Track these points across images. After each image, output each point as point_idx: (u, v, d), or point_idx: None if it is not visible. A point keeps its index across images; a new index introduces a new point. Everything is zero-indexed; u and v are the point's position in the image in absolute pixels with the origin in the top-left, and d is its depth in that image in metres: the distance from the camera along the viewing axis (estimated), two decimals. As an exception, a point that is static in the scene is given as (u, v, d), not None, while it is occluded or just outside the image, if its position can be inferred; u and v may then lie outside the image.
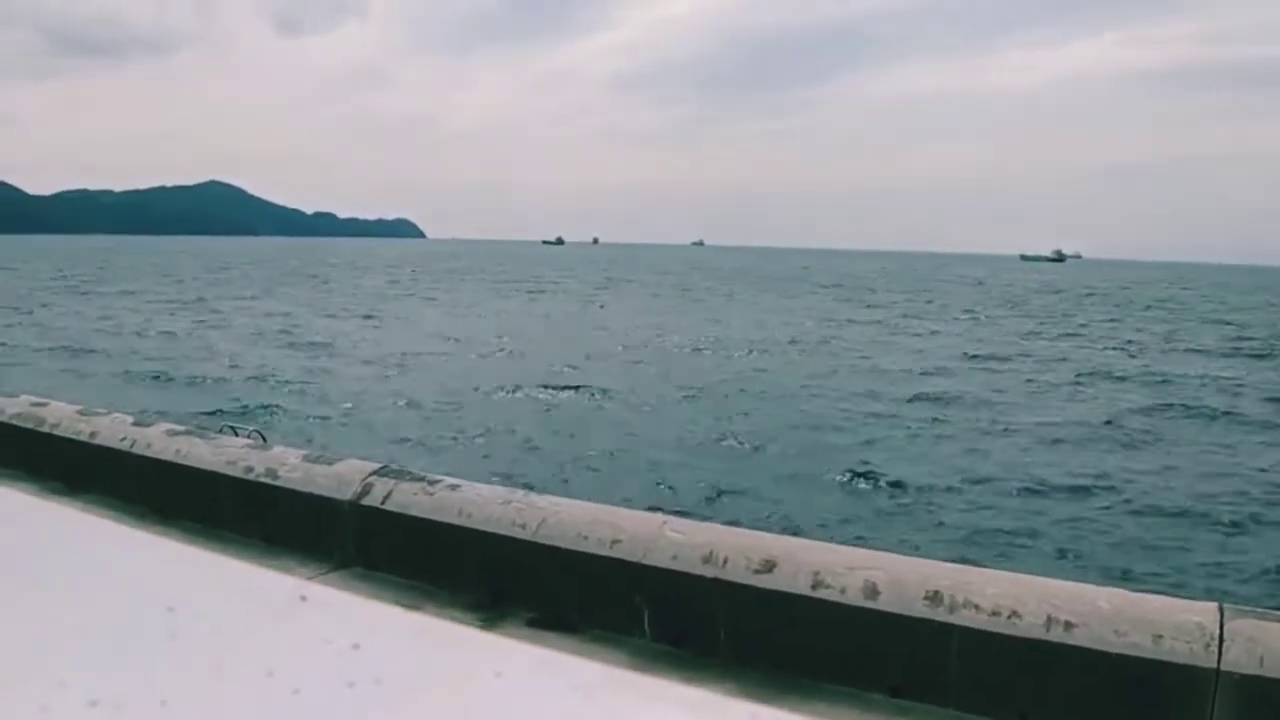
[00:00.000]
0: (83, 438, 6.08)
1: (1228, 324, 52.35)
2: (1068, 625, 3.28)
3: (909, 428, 19.45)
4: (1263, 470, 16.93)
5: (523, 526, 4.28)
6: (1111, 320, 54.94)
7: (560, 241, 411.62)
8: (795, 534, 4.25)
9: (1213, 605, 3.29)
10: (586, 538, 4.12)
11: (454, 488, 4.68)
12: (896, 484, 14.88)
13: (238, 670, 0.81)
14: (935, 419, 20.39)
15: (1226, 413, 23.22)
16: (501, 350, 33.31)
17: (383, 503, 4.72)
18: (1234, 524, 13.25)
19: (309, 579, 4.54)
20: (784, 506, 13.52)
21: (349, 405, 21.57)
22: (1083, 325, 49.14)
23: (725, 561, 3.81)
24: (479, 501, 4.51)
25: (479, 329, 41.61)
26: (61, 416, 6.37)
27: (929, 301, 61.72)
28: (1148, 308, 68.06)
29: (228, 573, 1.12)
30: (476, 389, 24.61)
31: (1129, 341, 41.14)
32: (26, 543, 1.16)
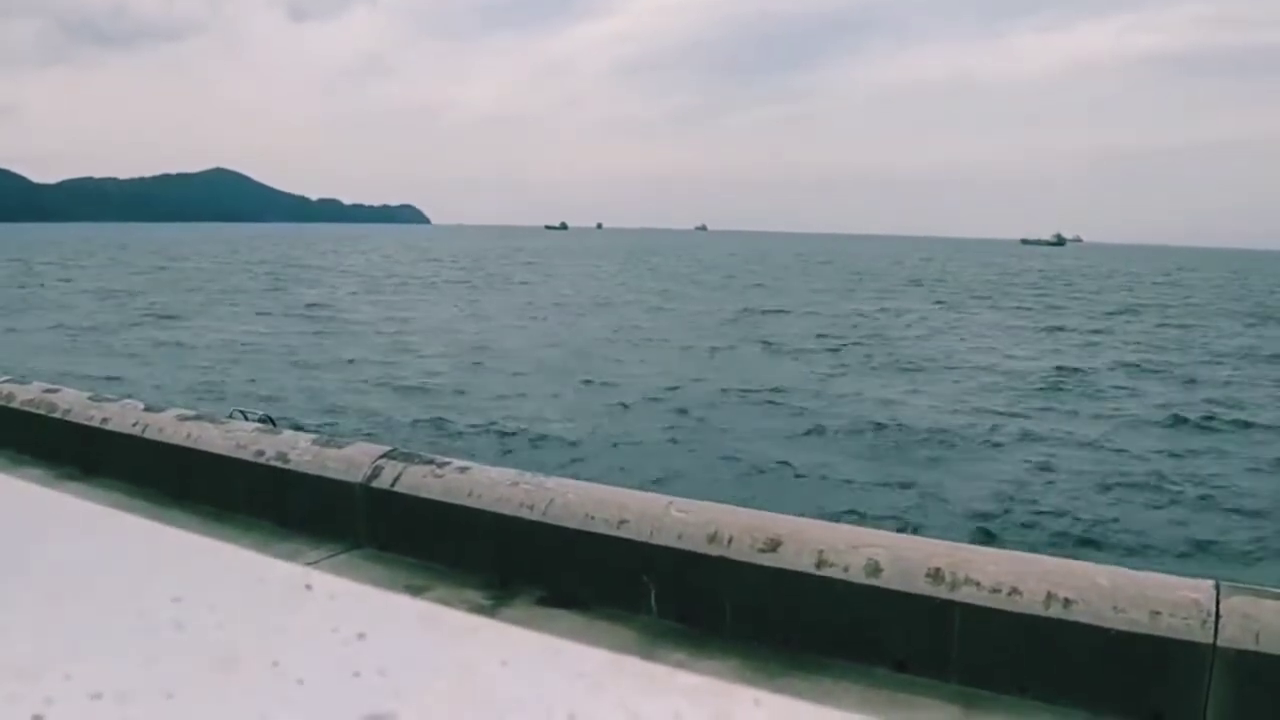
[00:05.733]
0: (94, 423, 6.14)
1: None
2: (1067, 602, 3.33)
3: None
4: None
5: (531, 507, 4.33)
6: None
7: (564, 227, 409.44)
8: (799, 513, 4.31)
9: (1209, 582, 3.34)
10: (594, 518, 4.18)
11: (463, 470, 4.74)
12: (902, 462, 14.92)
13: (243, 661, 0.82)
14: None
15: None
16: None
17: (393, 485, 4.78)
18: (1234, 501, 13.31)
19: (319, 562, 4.61)
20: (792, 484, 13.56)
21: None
22: None
23: (730, 540, 3.86)
24: (488, 483, 4.57)
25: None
26: (73, 403, 6.43)
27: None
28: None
29: (236, 560, 1.12)
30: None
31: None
32: (31, 531, 1.16)
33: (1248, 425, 18.10)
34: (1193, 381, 23.63)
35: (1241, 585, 3.37)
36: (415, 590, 4.17)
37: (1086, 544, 10.94)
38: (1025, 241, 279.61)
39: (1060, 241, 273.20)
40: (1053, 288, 64.61)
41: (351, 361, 24.50)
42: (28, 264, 69.82)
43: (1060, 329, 35.43)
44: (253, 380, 21.53)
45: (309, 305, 39.65)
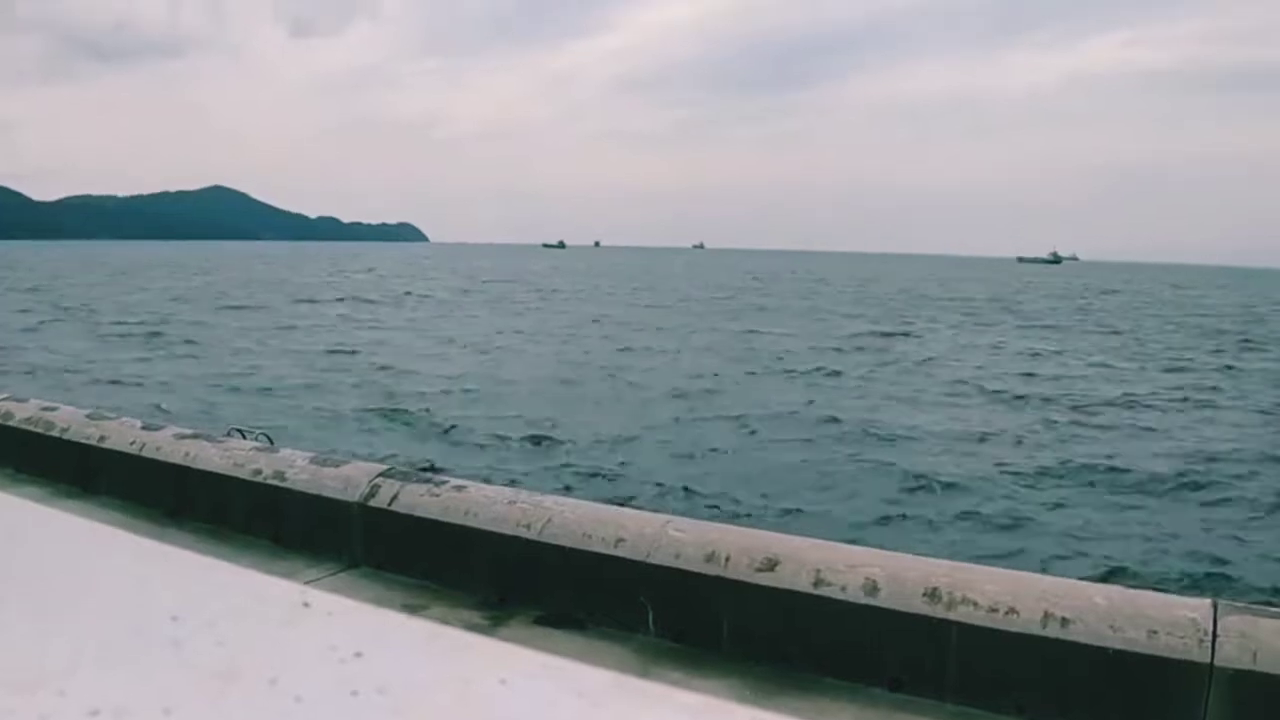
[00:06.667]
0: (92, 441, 6.14)
1: None
2: (1064, 621, 3.33)
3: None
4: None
5: (528, 527, 4.33)
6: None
7: (561, 245, 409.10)
8: (796, 532, 4.37)
9: (1206, 601, 3.34)
10: (591, 537, 4.17)
11: (460, 488, 4.74)
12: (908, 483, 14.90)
13: (241, 679, 0.83)
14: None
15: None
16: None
17: (390, 504, 4.77)
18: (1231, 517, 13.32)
19: (316, 581, 4.60)
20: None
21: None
22: None
23: (728, 560, 3.86)
24: (485, 502, 4.56)
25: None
26: (71, 421, 6.43)
27: None
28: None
29: (234, 578, 1.12)
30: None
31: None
32: (28, 549, 1.17)
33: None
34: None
35: (1239, 604, 3.38)
36: (413, 609, 4.16)
37: (1084, 563, 10.93)
38: (1022, 260, 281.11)
39: (1056, 260, 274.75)
40: (1060, 306, 65.44)
41: (354, 385, 24.44)
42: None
43: (1061, 353, 35.31)
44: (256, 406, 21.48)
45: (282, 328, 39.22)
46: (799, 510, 13.28)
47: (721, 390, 24.19)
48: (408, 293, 64.72)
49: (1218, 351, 36.76)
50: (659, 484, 14.59)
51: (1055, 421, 20.71)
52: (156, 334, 34.94)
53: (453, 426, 19.10)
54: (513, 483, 13.84)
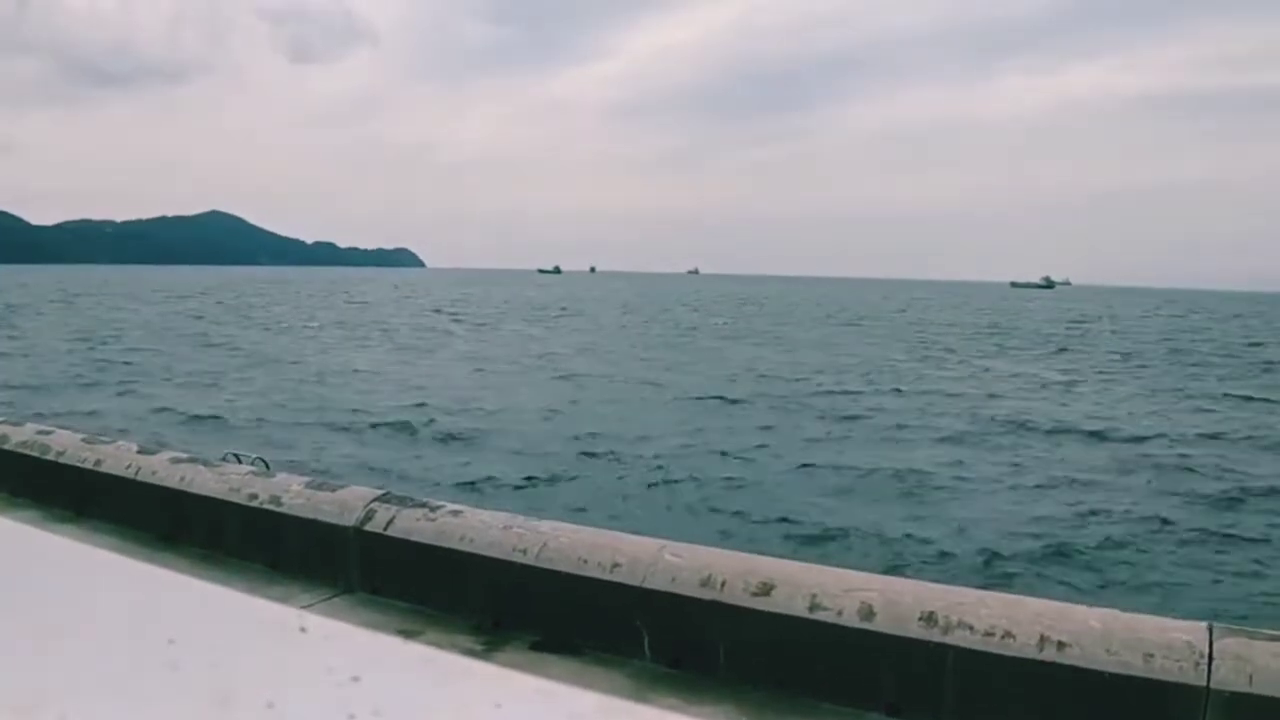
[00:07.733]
0: (88, 465, 6.13)
1: None
2: (1060, 645, 3.33)
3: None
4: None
5: (524, 551, 4.33)
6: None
7: (557, 270, 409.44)
8: (792, 557, 4.38)
9: (1202, 625, 3.34)
10: (587, 562, 4.17)
11: (455, 513, 4.73)
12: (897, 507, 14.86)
13: (238, 703, 0.83)
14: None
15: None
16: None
17: (385, 529, 4.77)
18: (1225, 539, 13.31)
19: (312, 606, 4.59)
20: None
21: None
22: None
23: (724, 584, 3.86)
24: (480, 527, 4.56)
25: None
26: (67, 444, 6.42)
27: None
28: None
29: (231, 602, 1.13)
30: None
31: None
32: (26, 572, 1.17)
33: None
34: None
35: (1234, 627, 3.37)
36: (409, 634, 4.15)
37: (1079, 585, 10.90)
38: (1015, 285, 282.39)
39: (1049, 284, 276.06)
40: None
41: (354, 411, 24.35)
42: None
43: (1074, 383, 35.09)
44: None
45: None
46: (796, 535, 13.25)
47: (721, 417, 24.16)
48: (403, 319, 64.75)
49: (1222, 379, 36.74)
50: (657, 508, 14.56)
51: (1063, 447, 20.69)
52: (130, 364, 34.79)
53: (451, 448, 19.08)
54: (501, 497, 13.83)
